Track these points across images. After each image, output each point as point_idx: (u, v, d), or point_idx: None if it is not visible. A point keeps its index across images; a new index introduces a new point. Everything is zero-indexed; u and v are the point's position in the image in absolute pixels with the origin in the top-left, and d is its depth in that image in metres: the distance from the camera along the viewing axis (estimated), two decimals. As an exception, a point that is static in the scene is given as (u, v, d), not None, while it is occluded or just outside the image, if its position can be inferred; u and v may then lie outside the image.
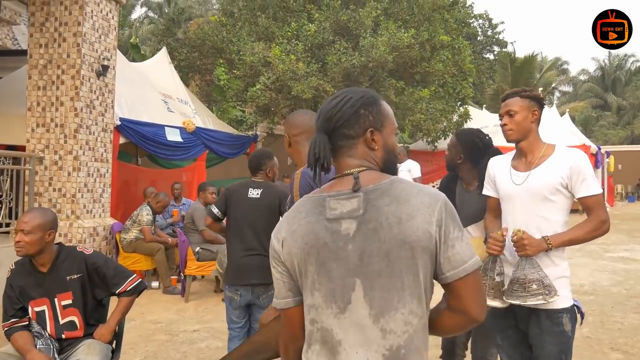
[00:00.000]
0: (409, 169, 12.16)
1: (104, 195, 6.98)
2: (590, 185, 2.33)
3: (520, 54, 29.69)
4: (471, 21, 25.83)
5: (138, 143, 7.77)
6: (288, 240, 1.35)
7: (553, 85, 35.43)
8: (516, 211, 2.45)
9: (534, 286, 2.26)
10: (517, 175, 2.45)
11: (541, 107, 2.50)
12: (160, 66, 10.85)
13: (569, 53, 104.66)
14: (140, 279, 3.06)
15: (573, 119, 27.65)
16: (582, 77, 41.05)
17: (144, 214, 6.63)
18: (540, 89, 18.67)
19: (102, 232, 6.76)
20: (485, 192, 2.70)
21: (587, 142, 17.49)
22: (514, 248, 2.34)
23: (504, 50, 31.57)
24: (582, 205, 2.38)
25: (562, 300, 2.31)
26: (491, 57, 31.88)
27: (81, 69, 6.45)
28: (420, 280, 1.29)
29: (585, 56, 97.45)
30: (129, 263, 6.66)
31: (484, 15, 29.26)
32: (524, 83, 26.46)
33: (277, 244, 1.38)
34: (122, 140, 7.47)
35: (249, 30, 11.66)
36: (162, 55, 11.20)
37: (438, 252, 1.30)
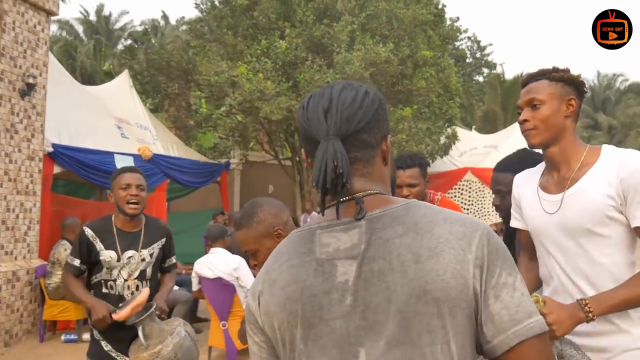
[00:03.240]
0: None
1: (29, 234, 5.99)
2: None
3: (510, 74, 29.24)
4: (459, 43, 25.38)
5: (77, 172, 6.83)
6: (266, 295, 0.96)
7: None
8: (551, 254, 1.63)
9: None
10: (547, 200, 1.67)
11: (580, 95, 1.69)
12: (120, 90, 10.03)
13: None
14: None
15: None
16: (572, 98, 40.68)
17: (61, 250, 5.62)
18: (531, 108, 18.01)
19: (24, 277, 5.76)
20: (512, 223, 1.88)
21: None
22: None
23: (493, 72, 31.11)
24: None
25: None
26: (480, 79, 31.39)
27: (-2, 87, 5.55)
28: (453, 354, 0.84)
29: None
30: (57, 312, 5.68)
31: (472, 38, 28.87)
32: (514, 104, 25.91)
33: (254, 301, 1.00)
34: (57, 169, 6.54)
35: (217, 51, 10.88)
36: (123, 78, 10.38)
37: (478, 308, 0.86)
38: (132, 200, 2.84)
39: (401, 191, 2.74)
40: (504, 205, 2.22)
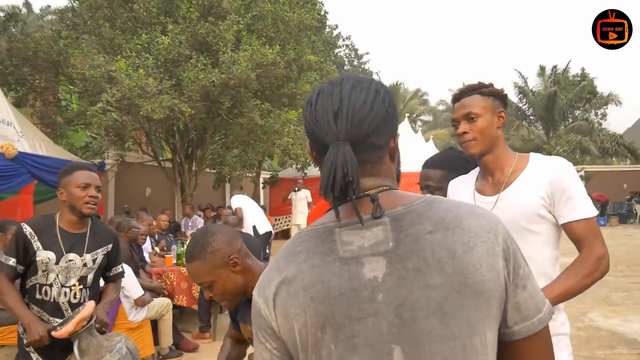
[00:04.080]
0: (305, 196, 12.07)
1: None
2: (578, 205, 1.71)
3: (385, 83, 30.58)
4: (337, 50, 26.11)
5: None
6: (282, 296, 0.92)
7: (415, 114, 37.03)
8: None
9: None
10: (483, 202, 1.84)
11: (506, 107, 1.89)
12: (-23, 80, 9.03)
13: (428, 84, 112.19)
14: None
15: (435, 145, 28.86)
16: (440, 107, 43.38)
17: None
18: (407, 115, 18.98)
19: None
20: None
21: (452, 167, 17.83)
22: None
23: (369, 79, 32.27)
24: (570, 236, 1.75)
25: None
26: (358, 86, 32.44)
27: None
28: (487, 344, 0.89)
29: (442, 87, 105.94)
30: None
31: (350, 46, 29.87)
32: (390, 111, 27.10)
33: (265, 305, 0.94)
34: None
35: (92, 43, 10.15)
36: (-18, 67, 9.36)
37: (507, 297, 0.92)
38: (92, 202, 2.64)
39: None
40: None
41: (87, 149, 11.83)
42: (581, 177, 24.49)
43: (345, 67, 30.01)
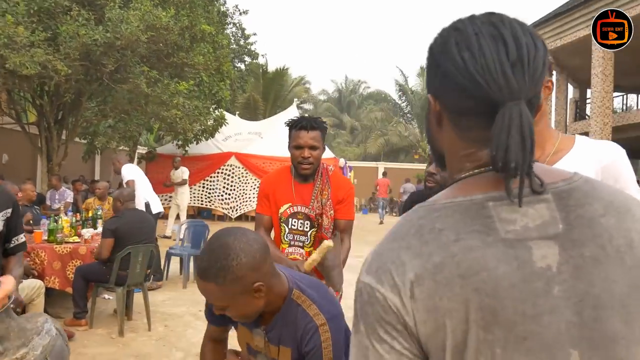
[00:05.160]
0: (182, 174, 11.44)
1: None
2: (636, 195, 1.45)
3: (272, 67, 30.21)
4: (226, 27, 25.26)
5: None
6: (428, 285, 0.72)
7: (299, 101, 37.18)
8: None
9: None
10: None
11: (551, 76, 1.66)
12: None
13: (311, 73, 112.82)
14: None
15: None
16: (321, 97, 43.93)
17: None
18: (296, 100, 18.78)
19: None
20: None
21: (333, 156, 17.91)
22: None
23: (255, 61, 31.83)
24: None
25: None
26: (242, 67, 31.87)
27: None
28: None
29: (324, 78, 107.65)
30: None
31: (238, 25, 29.09)
32: (276, 95, 26.83)
33: (395, 295, 0.73)
34: None
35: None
36: None
37: None
38: None
39: (302, 152, 2.65)
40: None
41: None
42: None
43: (232, 46, 29.18)
